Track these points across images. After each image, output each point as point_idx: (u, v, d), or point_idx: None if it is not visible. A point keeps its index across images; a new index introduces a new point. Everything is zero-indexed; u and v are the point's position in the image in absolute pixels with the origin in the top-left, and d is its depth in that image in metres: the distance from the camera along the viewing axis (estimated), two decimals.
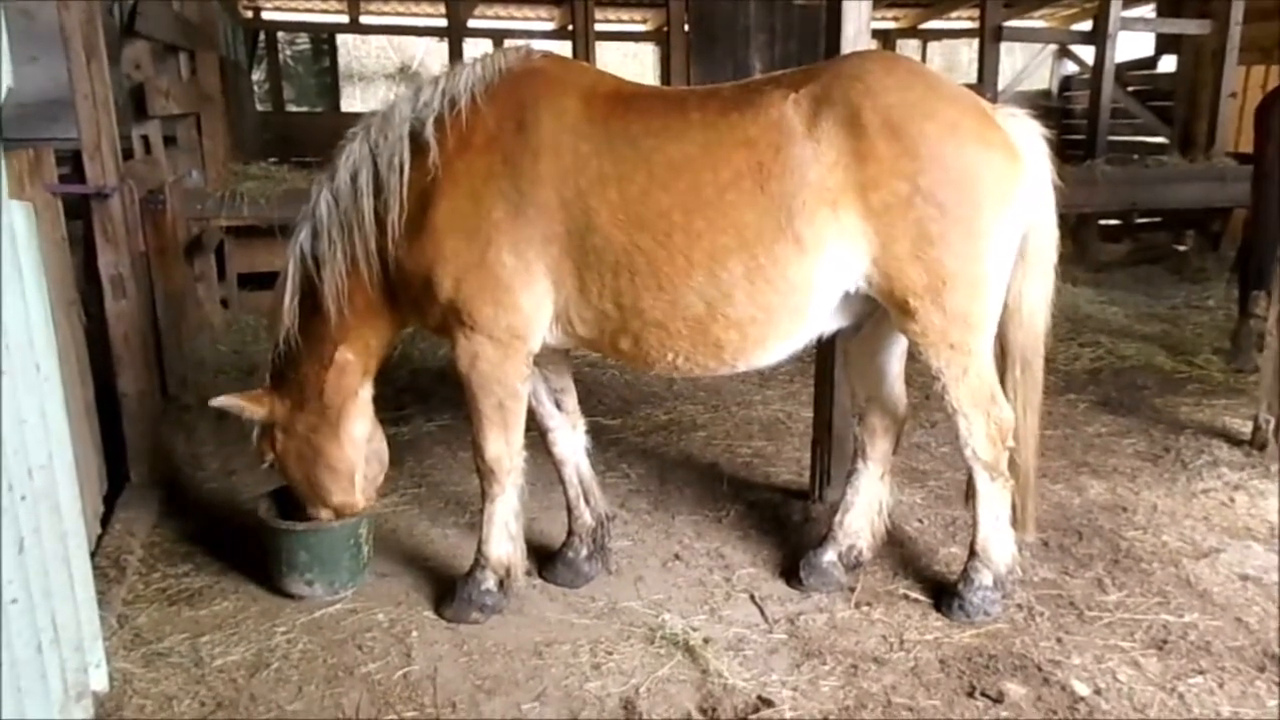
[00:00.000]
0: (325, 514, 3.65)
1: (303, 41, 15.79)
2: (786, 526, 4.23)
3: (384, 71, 17.77)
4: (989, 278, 3.17)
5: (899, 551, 3.95)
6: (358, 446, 3.60)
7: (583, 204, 3.10)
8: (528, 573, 3.69)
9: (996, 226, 3.12)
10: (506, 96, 3.22)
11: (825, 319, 3.30)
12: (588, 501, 3.81)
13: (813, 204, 3.03)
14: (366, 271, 3.30)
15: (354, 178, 3.25)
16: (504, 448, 3.39)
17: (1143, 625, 3.41)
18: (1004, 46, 11.23)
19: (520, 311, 3.21)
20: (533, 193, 3.12)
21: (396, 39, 16.78)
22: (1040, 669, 3.16)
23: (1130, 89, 11.83)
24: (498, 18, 13.87)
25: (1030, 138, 3.28)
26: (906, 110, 3.04)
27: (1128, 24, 10.76)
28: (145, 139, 5.87)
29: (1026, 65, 13.88)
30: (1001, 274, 3.23)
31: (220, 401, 3.56)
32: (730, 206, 3.05)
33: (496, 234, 3.13)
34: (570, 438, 3.77)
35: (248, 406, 3.56)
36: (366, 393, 3.59)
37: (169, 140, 6.56)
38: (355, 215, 3.25)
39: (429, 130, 3.16)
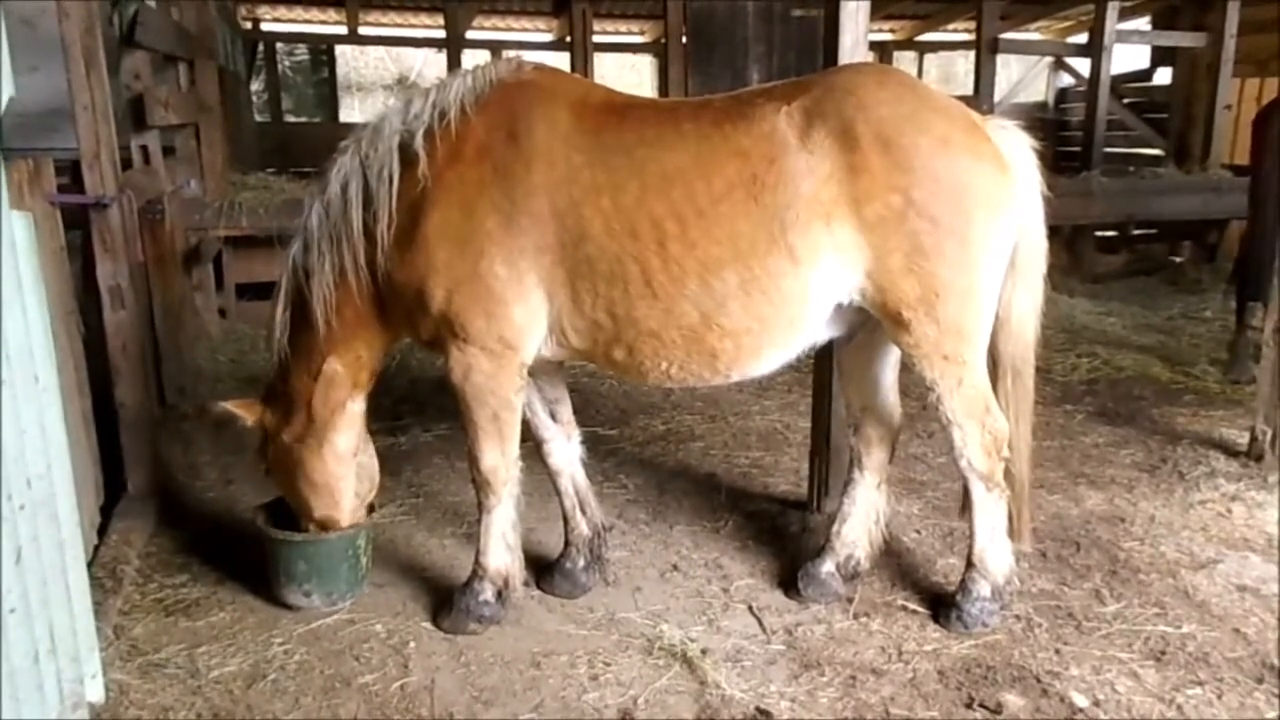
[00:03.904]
0: (313, 526, 3.64)
1: (301, 52, 15.84)
2: (784, 537, 4.23)
3: (382, 82, 17.84)
4: (981, 289, 3.18)
5: (897, 562, 3.95)
6: (341, 461, 3.56)
7: (576, 214, 3.11)
8: (525, 583, 3.69)
9: (988, 238, 3.13)
10: (498, 107, 3.23)
11: (819, 329, 3.31)
12: (584, 512, 3.81)
13: (806, 217, 3.04)
14: (355, 283, 3.30)
15: (344, 190, 3.26)
16: (500, 459, 3.38)
17: (1141, 636, 3.41)
18: (1000, 59, 11.29)
19: (513, 323, 3.21)
20: (525, 203, 3.13)
21: (395, 50, 16.85)
22: (1039, 680, 3.16)
23: (1126, 101, 11.87)
24: (496, 29, 13.90)
25: (1020, 149, 3.30)
26: (899, 124, 3.06)
27: (1123, 36, 10.81)
28: (144, 149, 5.88)
29: (1022, 77, 13.97)
30: (993, 285, 3.24)
31: (218, 407, 3.64)
32: (724, 217, 3.06)
33: (489, 244, 3.14)
34: (565, 448, 3.77)
35: (239, 413, 3.59)
36: (357, 406, 3.58)
37: (168, 150, 6.57)
38: (344, 227, 3.25)
39: (418, 142, 3.17)
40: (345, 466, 3.58)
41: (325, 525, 3.61)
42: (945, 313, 3.11)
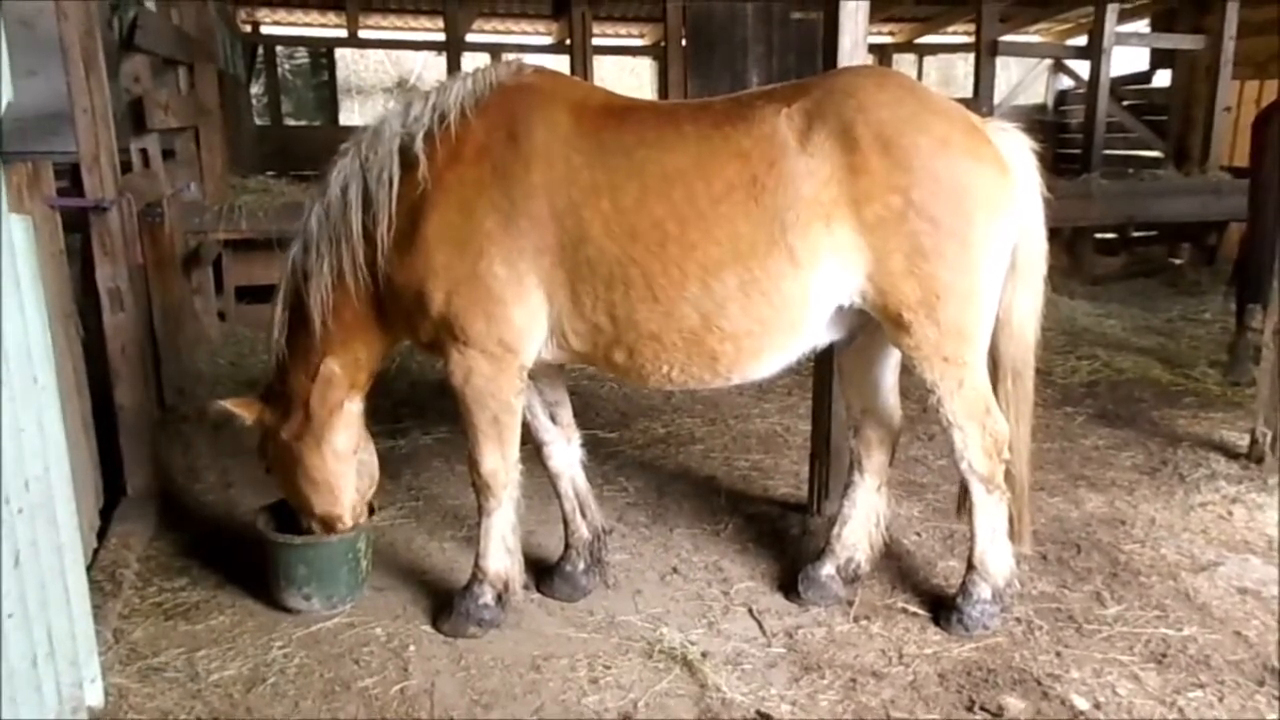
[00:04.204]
0: (315, 525, 3.64)
1: (301, 55, 15.87)
2: (785, 540, 4.22)
3: (382, 85, 17.85)
4: (982, 290, 3.18)
5: (897, 565, 3.94)
6: (341, 459, 3.56)
7: (575, 215, 3.11)
8: (525, 586, 3.68)
9: (988, 239, 3.13)
10: (498, 110, 3.23)
11: (819, 332, 3.30)
12: (584, 515, 3.81)
13: (806, 218, 3.04)
14: (354, 285, 3.31)
15: (344, 192, 3.27)
16: (500, 462, 3.38)
17: (1142, 639, 3.40)
18: (1000, 61, 11.30)
19: (513, 325, 3.21)
20: (525, 204, 3.13)
21: (395, 53, 16.87)
22: (1039, 683, 3.15)
23: (1125, 103, 11.89)
24: (496, 32, 13.93)
25: (1019, 151, 3.30)
26: (899, 125, 3.06)
27: (1122, 39, 10.83)
28: (144, 152, 5.87)
29: (1022, 80, 13.96)
30: (994, 286, 3.24)
31: (216, 405, 3.64)
32: (724, 218, 3.06)
33: (488, 246, 3.14)
34: (565, 451, 3.76)
35: (238, 411, 3.59)
36: (355, 406, 3.58)
37: (167, 153, 6.57)
38: (344, 229, 3.26)
39: (418, 144, 3.17)
40: (345, 464, 3.58)
41: (327, 522, 3.61)
42: (946, 315, 3.11)
